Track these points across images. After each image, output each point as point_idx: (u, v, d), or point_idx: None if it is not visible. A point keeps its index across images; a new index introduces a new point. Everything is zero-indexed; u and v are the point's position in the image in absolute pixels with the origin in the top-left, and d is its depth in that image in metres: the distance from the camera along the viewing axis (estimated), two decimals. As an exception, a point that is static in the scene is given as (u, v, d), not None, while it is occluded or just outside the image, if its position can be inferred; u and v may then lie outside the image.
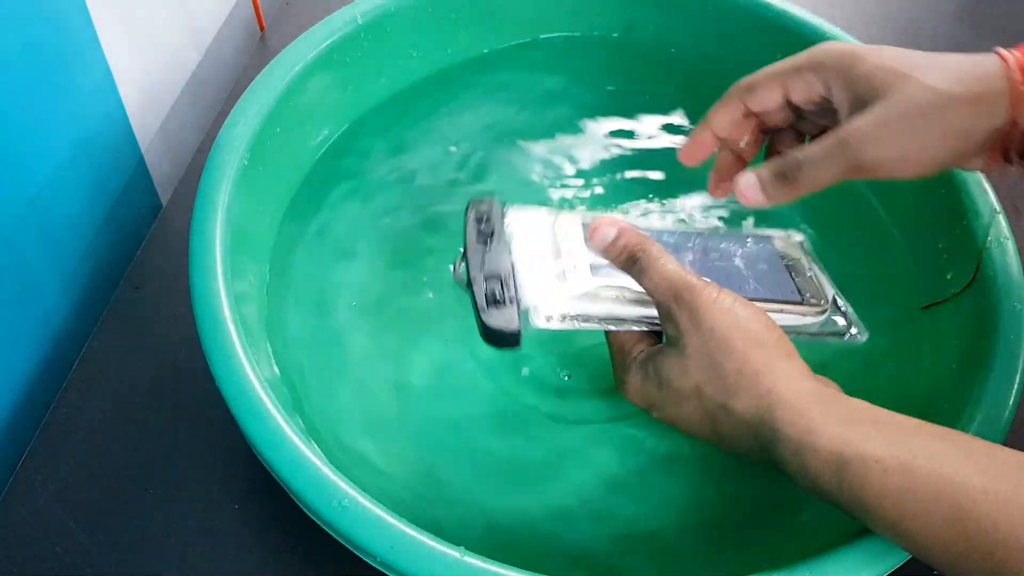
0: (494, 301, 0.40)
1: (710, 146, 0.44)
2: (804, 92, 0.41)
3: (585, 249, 0.42)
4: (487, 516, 0.41)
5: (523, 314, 0.40)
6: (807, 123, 0.44)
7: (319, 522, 0.35)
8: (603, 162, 0.53)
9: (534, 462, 0.44)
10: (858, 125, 0.38)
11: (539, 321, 0.40)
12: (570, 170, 0.53)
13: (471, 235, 0.44)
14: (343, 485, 0.34)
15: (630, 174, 0.53)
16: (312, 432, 0.39)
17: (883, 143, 0.38)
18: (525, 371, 0.47)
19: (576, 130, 0.54)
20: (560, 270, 0.42)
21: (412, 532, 0.33)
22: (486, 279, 0.41)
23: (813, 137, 0.43)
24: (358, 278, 0.48)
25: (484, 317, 0.40)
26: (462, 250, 0.43)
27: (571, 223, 0.45)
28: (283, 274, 0.46)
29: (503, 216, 0.45)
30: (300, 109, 0.47)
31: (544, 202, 0.51)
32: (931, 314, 0.46)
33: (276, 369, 0.42)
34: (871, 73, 0.39)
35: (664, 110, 0.54)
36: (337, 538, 0.34)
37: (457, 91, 0.55)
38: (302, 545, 0.41)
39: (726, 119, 0.43)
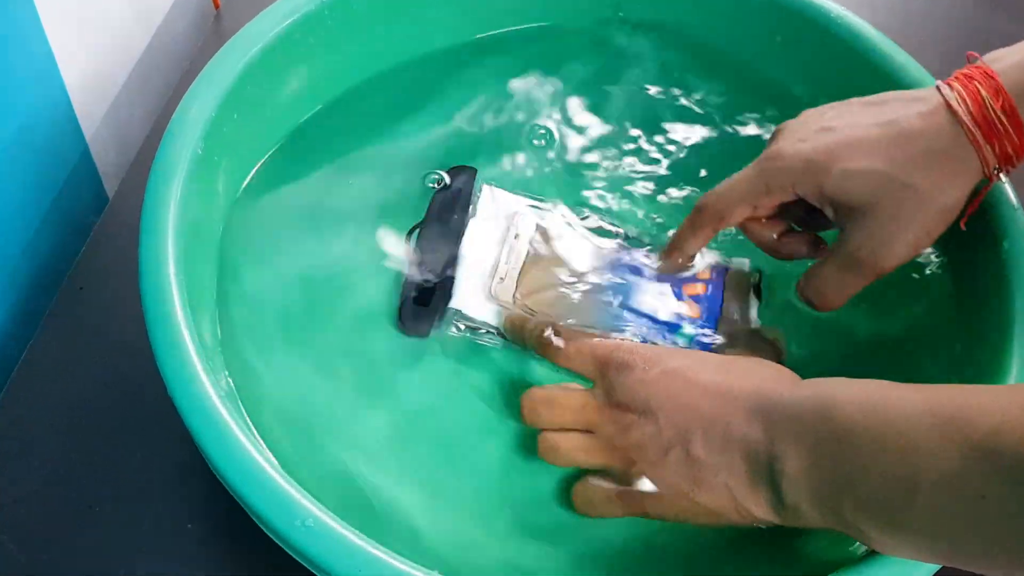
0: (419, 297, 0.42)
1: (685, 264, 0.47)
2: (778, 206, 0.43)
3: (523, 257, 0.43)
4: (463, 538, 0.40)
5: (447, 312, 0.42)
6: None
7: (281, 544, 0.34)
8: (589, 159, 0.52)
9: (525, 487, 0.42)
10: (864, 244, 0.41)
11: (452, 330, 0.42)
12: (548, 162, 0.52)
13: (434, 206, 0.44)
14: (307, 503, 0.32)
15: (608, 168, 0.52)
16: (272, 445, 0.38)
17: (895, 251, 0.40)
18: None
19: (558, 119, 0.53)
20: (498, 276, 0.43)
21: (383, 555, 0.32)
22: (426, 265, 0.42)
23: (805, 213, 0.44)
24: (321, 276, 0.46)
25: (401, 314, 0.42)
26: (422, 219, 0.43)
27: (527, 223, 0.45)
28: (236, 276, 0.45)
29: (474, 193, 0.45)
30: (259, 94, 0.46)
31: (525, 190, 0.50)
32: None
33: (230, 380, 0.40)
34: (843, 182, 0.40)
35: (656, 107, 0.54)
36: (301, 561, 0.33)
37: (433, 79, 0.53)
38: (262, 568, 0.40)
39: (698, 245, 0.46)
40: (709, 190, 0.44)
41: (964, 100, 0.39)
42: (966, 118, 0.39)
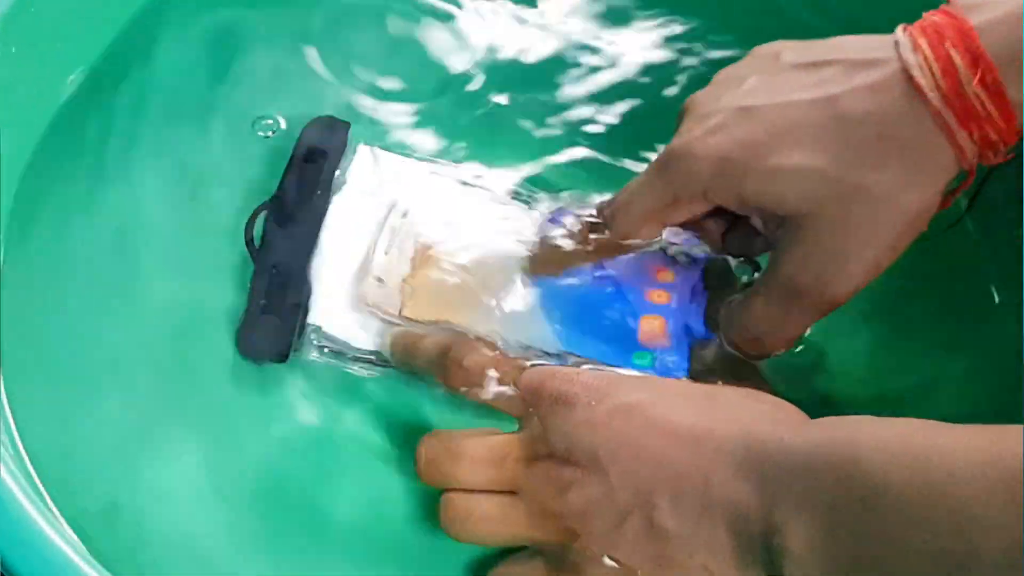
0: (268, 309, 0.38)
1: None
2: (690, 216, 0.39)
3: (413, 245, 0.40)
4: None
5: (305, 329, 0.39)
6: None
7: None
8: (517, 105, 0.47)
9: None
10: (804, 266, 0.36)
11: (312, 354, 0.39)
12: (459, 111, 0.46)
13: (290, 178, 0.41)
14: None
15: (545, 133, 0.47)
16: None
17: (848, 273, 0.35)
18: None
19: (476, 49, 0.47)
20: (374, 275, 0.39)
21: None
22: (276, 264, 0.39)
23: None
24: (125, 280, 0.41)
25: (242, 333, 0.38)
26: (271, 196, 0.40)
27: (418, 195, 0.41)
28: (25, 266, 0.40)
29: (346, 157, 0.42)
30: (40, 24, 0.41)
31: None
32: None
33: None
34: (769, 184, 0.35)
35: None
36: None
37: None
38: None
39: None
40: (603, 202, 0.40)
41: (930, 70, 0.33)
42: (933, 96, 0.33)
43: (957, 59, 0.33)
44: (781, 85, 0.36)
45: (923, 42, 0.33)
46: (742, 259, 0.41)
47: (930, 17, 0.34)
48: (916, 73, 0.33)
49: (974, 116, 0.33)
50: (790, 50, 0.37)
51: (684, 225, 0.40)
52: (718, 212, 0.39)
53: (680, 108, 0.39)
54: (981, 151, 0.34)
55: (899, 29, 0.34)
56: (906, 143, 0.34)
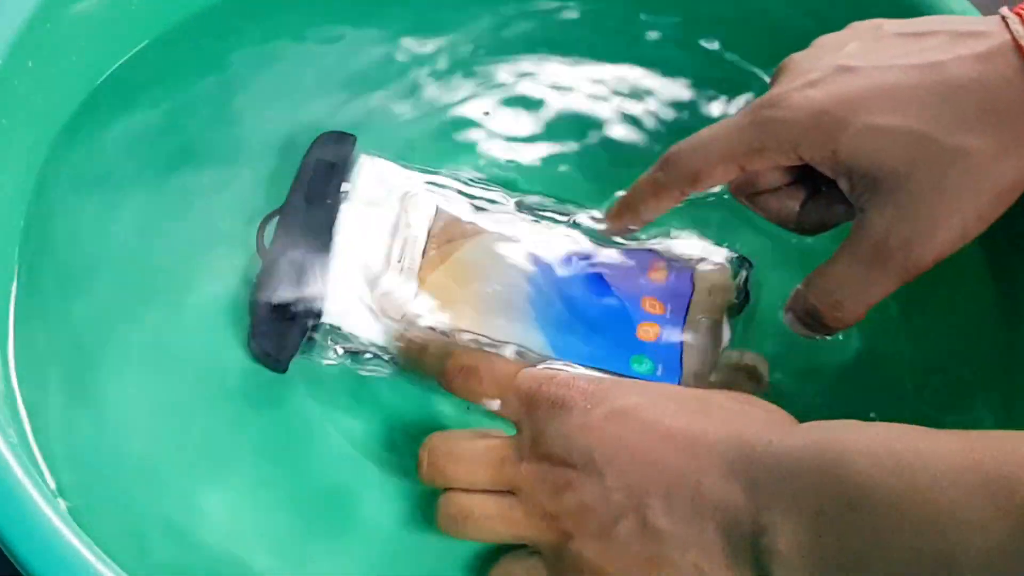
0: (278, 312, 0.38)
1: (632, 229, 0.41)
2: (773, 169, 0.37)
3: (420, 254, 0.40)
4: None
5: (318, 329, 0.38)
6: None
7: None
8: (519, 120, 0.47)
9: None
10: (892, 228, 0.34)
11: (328, 354, 0.39)
12: (460, 123, 0.46)
13: (298, 186, 0.41)
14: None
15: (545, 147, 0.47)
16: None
17: (936, 239, 0.34)
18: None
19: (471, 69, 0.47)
20: (383, 280, 0.39)
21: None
22: (285, 267, 0.39)
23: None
24: (141, 282, 0.41)
25: (254, 334, 0.38)
26: (281, 204, 0.41)
27: (423, 207, 0.41)
28: (38, 267, 0.40)
29: (352, 168, 0.42)
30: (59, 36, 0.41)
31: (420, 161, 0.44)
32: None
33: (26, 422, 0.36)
34: (866, 142, 0.34)
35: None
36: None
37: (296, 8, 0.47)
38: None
39: (658, 210, 0.39)
40: (682, 140, 0.38)
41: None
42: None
43: None
44: (884, 50, 0.36)
45: None
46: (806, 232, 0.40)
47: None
48: (1017, 33, 0.33)
49: None
50: (891, 23, 0.37)
51: (757, 196, 0.39)
52: (796, 183, 0.38)
53: (776, 69, 0.38)
54: None
55: (1004, 8, 0.34)
56: (1008, 112, 0.33)
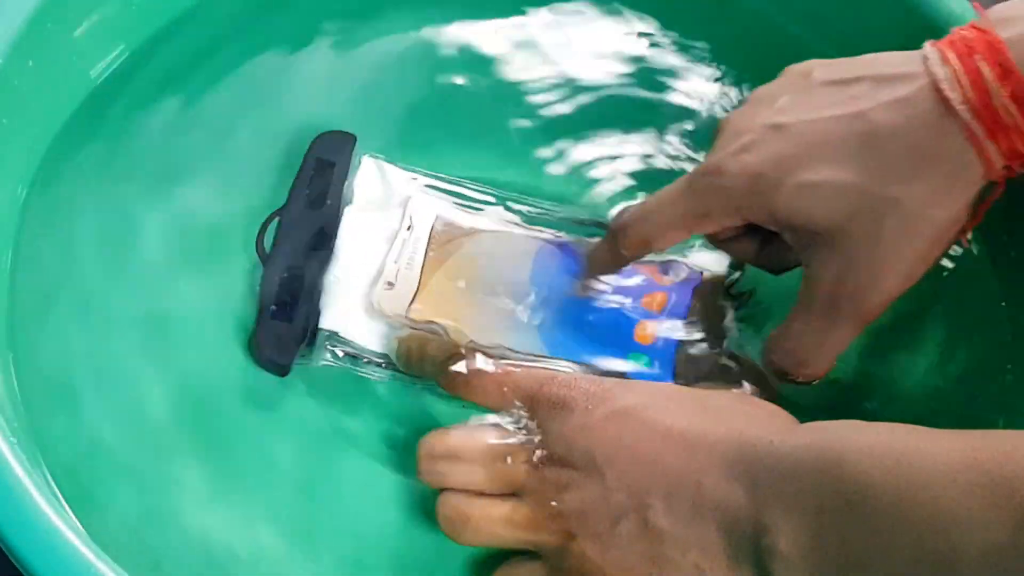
0: (280, 315, 0.38)
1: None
2: (720, 228, 0.38)
3: (421, 256, 0.40)
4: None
5: (317, 334, 0.39)
6: None
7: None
8: (522, 122, 0.47)
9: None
10: (840, 281, 0.35)
11: (325, 357, 0.39)
12: (463, 123, 0.46)
13: (299, 188, 0.41)
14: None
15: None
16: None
17: (883, 286, 0.35)
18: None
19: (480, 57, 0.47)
20: (384, 282, 0.40)
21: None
22: (286, 271, 0.39)
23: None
24: (146, 275, 0.41)
25: (257, 338, 0.38)
26: (282, 205, 0.40)
27: (424, 210, 0.41)
28: (35, 269, 0.40)
29: (352, 169, 0.42)
30: (59, 36, 0.41)
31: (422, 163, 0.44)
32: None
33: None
34: (800, 200, 0.35)
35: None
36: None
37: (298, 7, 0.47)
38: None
39: (615, 271, 0.40)
40: (631, 206, 0.39)
41: (960, 83, 0.33)
42: (962, 109, 0.32)
43: (986, 72, 0.32)
44: (812, 102, 0.36)
45: (951, 55, 0.33)
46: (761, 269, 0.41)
47: (959, 32, 0.34)
48: (945, 86, 0.33)
49: (1002, 128, 0.32)
50: (821, 67, 0.37)
51: (718, 242, 0.39)
52: (751, 229, 0.38)
53: (715, 127, 0.39)
54: (1008, 162, 0.33)
55: (927, 44, 0.34)
56: (935, 156, 0.34)
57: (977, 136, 0.33)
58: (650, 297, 0.41)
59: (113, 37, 0.43)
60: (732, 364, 0.40)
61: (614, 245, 0.39)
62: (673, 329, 0.40)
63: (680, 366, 0.39)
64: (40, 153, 0.41)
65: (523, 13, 0.48)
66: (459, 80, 0.47)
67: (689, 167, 0.43)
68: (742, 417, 0.33)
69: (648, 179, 0.44)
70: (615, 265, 0.40)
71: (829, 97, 0.35)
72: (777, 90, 0.37)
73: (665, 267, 0.41)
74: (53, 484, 0.34)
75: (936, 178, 0.34)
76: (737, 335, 0.41)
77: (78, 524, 0.31)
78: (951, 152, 0.33)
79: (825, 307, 0.36)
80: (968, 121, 0.32)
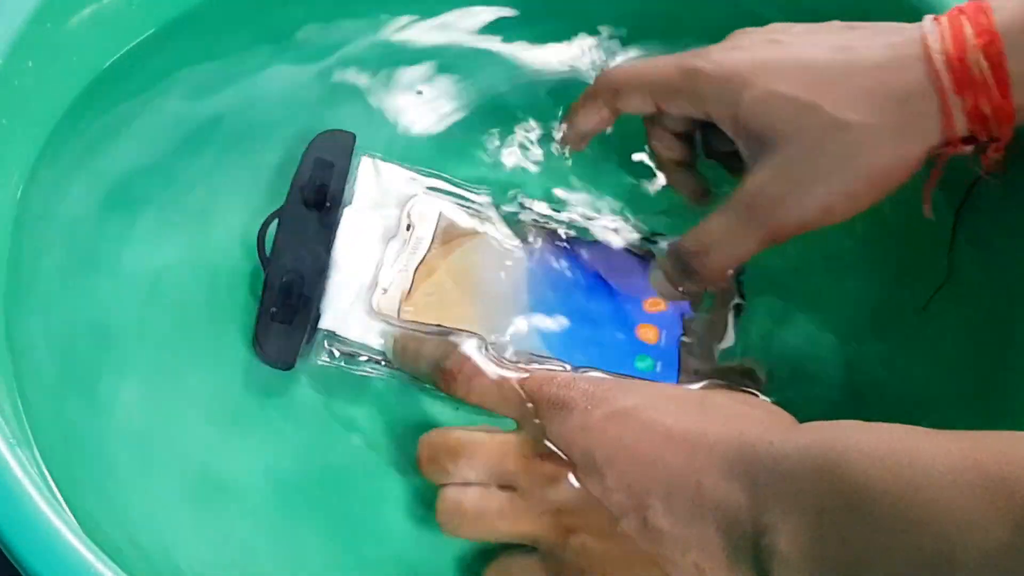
0: (281, 314, 0.38)
1: (582, 143, 0.43)
2: (680, 113, 0.40)
3: (419, 256, 0.40)
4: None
5: (316, 334, 0.39)
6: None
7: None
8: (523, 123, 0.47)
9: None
10: (764, 187, 0.37)
11: (323, 357, 0.39)
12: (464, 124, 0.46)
13: (298, 190, 0.41)
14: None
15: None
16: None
17: (799, 204, 0.36)
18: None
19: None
20: (381, 283, 0.39)
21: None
22: (287, 272, 0.39)
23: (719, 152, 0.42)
24: (143, 285, 0.41)
25: (259, 337, 0.38)
26: (281, 205, 0.40)
27: (426, 210, 0.41)
28: (27, 279, 0.39)
29: (351, 169, 0.42)
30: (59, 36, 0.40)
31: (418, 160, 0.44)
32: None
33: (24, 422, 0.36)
34: (763, 105, 0.36)
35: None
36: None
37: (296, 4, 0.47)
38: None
39: (589, 122, 0.42)
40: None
41: (942, 37, 0.35)
42: (938, 58, 0.34)
43: (968, 29, 0.34)
44: (819, 34, 0.38)
45: (944, 17, 0.35)
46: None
47: (958, 4, 0.36)
48: (929, 39, 0.35)
49: (970, 83, 0.34)
50: (845, 23, 0.39)
51: (656, 127, 0.41)
52: (688, 141, 0.41)
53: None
54: (971, 125, 0.35)
55: (928, 16, 0.36)
56: (899, 98, 0.35)
57: (944, 87, 0.34)
58: (653, 300, 0.41)
59: (113, 37, 0.43)
60: (732, 363, 0.40)
61: (591, 87, 0.41)
62: (675, 329, 0.40)
63: (683, 365, 0.39)
64: (39, 153, 0.41)
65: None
66: (461, 77, 0.47)
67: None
68: (742, 417, 0.33)
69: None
70: (585, 113, 0.42)
71: (835, 34, 0.37)
72: (797, 24, 0.39)
73: None
74: (53, 484, 0.34)
75: (892, 116, 0.35)
76: (737, 334, 0.41)
77: (77, 525, 0.31)
78: (915, 97, 0.35)
79: (743, 208, 0.37)
80: (939, 69, 0.34)
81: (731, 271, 0.39)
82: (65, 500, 0.34)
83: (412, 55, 0.47)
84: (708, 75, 0.37)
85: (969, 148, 0.36)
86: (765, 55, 0.37)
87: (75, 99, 0.42)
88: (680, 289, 0.40)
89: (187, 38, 0.45)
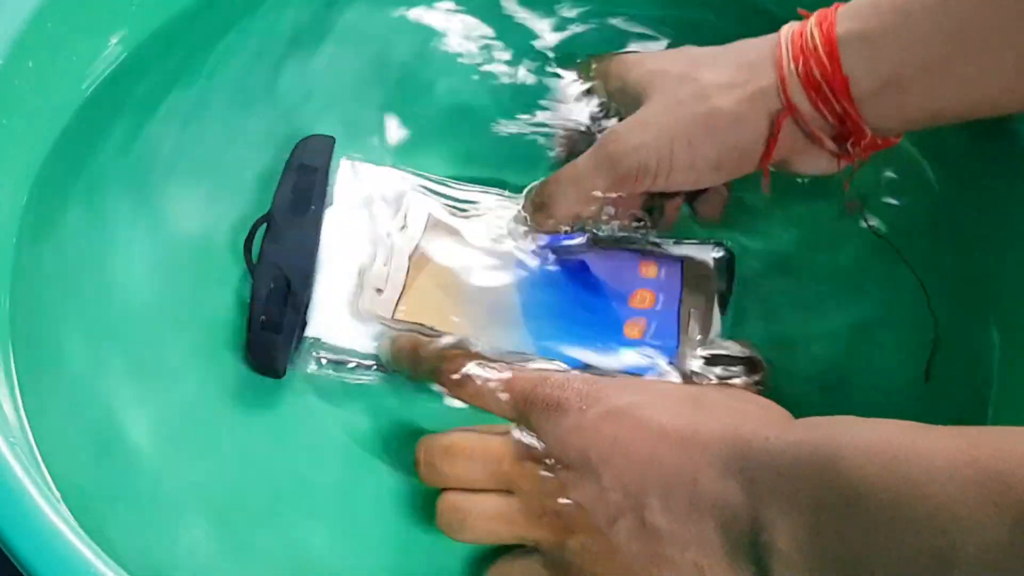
0: (270, 322, 0.38)
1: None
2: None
3: (409, 257, 0.40)
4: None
5: (303, 341, 0.39)
6: None
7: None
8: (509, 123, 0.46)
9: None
10: (615, 127, 0.40)
11: (311, 365, 0.39)
12: (448, 123, 0.45)
13: (283, 195, 0.41)
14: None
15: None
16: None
17: (642, 144, 0.38)
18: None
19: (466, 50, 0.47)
20: (371, 285, 0.39)
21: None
22: (274, 279, 0.39)
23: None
24: (134, 293, 0.41)
25: (249, 346, 0.38)
26: (266, 213, 0.40)
27: (418, 209, 0.41)
28: (27, 279, 0.40)
29: (331, 172, 0.42)
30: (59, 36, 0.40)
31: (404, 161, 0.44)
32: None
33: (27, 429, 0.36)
34: (641, 77, 0.40)
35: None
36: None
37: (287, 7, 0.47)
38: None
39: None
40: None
41: (794, 27, 0.38)
42: (785, 32, 0.38)
43: (814, 19, 0.38)
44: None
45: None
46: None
47: None
48: (784, 29, 0.38)
49: (803, 49, 0.37)
50: None
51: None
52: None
53: None
54: (806, 90, 0.37)
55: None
56: (746, 63, 0.38)
57: (781, 54, 0.37)
58: (640, 294, 0.41)
59: (113, 37, 0.43)
60: (724, 353, 0.39)
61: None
62: (665, 324, 0.40)
63: (675, 360, 0.39)
64: (40, 155, 0.41)
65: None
66: (440, 75, 0.47)
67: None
68: (737, 414, 0.33)
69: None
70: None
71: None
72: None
73: (654, 259, 0.41)
74: (52, 484, 0.34)
75: (732, 77, 0.38)
76: (726, 325, 0.41)
77: (77, 525, 0.31)
78: (757, 59, 0.38)
79: (595, 147, 0.39)
80: (783, 40, 0.38)
81: (634, 212, 0.41)
82: (65, 500, 0.34)
83: (391, 57, 0.47)
84: (617, 62, 0.42)
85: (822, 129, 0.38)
86: (654, 54, 0.43)
87: (78, 102, 0.43)
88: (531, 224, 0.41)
89: (186, 40, 0.45)
